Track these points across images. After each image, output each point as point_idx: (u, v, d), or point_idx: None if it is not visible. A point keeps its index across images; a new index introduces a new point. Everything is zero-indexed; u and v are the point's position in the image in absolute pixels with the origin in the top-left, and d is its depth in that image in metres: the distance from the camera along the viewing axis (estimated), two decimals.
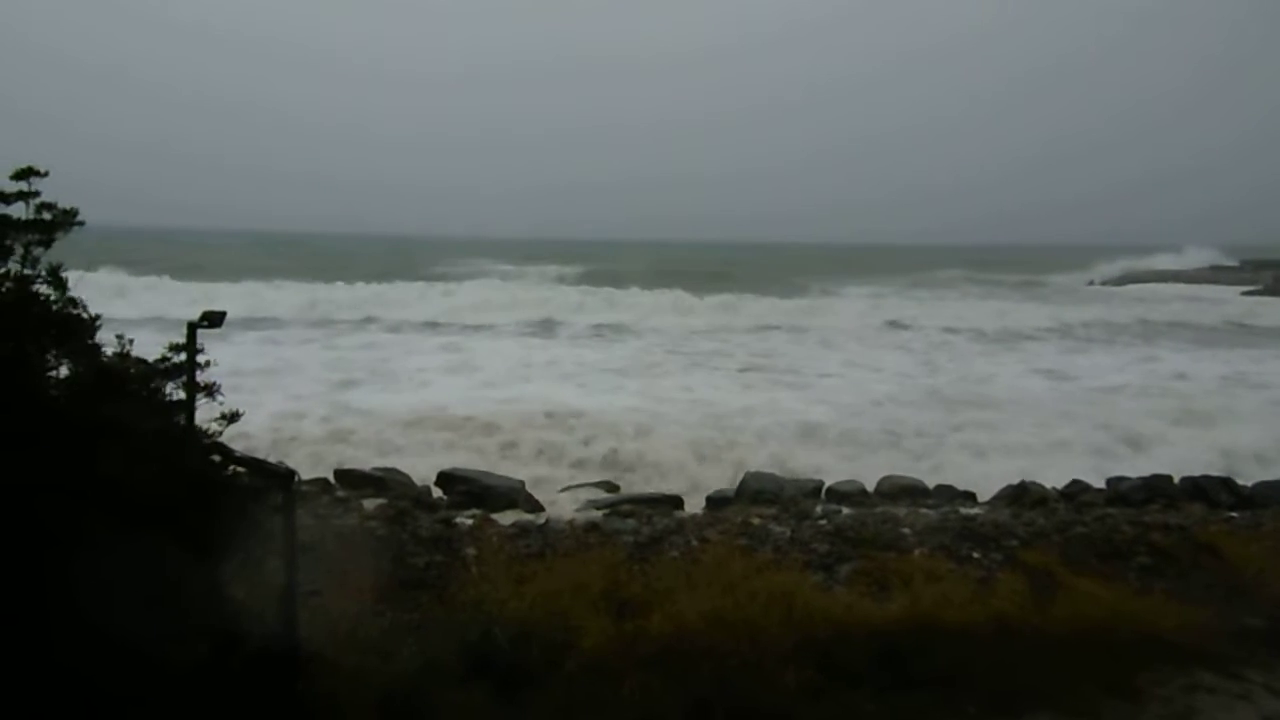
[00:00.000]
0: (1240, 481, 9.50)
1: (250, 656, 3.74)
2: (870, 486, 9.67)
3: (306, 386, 14.31)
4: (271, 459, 4.58)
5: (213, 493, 3.92)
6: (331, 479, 9.05)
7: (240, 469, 4.21)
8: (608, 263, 56.14)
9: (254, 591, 4.09)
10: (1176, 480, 9.49)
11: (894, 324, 26.83)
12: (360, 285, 33.70)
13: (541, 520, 7.87)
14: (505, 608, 5.26)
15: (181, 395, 3.99)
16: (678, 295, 31.06)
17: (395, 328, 24.29)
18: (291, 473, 4.40)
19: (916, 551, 6.76)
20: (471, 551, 6.59)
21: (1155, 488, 9.29)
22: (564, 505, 8.94)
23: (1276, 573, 5.96)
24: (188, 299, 25.54)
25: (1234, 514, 8.31)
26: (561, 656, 4.80)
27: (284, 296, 29.93)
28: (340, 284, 34.04)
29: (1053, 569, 5.94)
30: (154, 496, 3.45)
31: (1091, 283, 53.43)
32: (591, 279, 40.09)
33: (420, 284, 35.16)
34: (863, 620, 5.30)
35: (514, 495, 9.08)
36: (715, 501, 9.20)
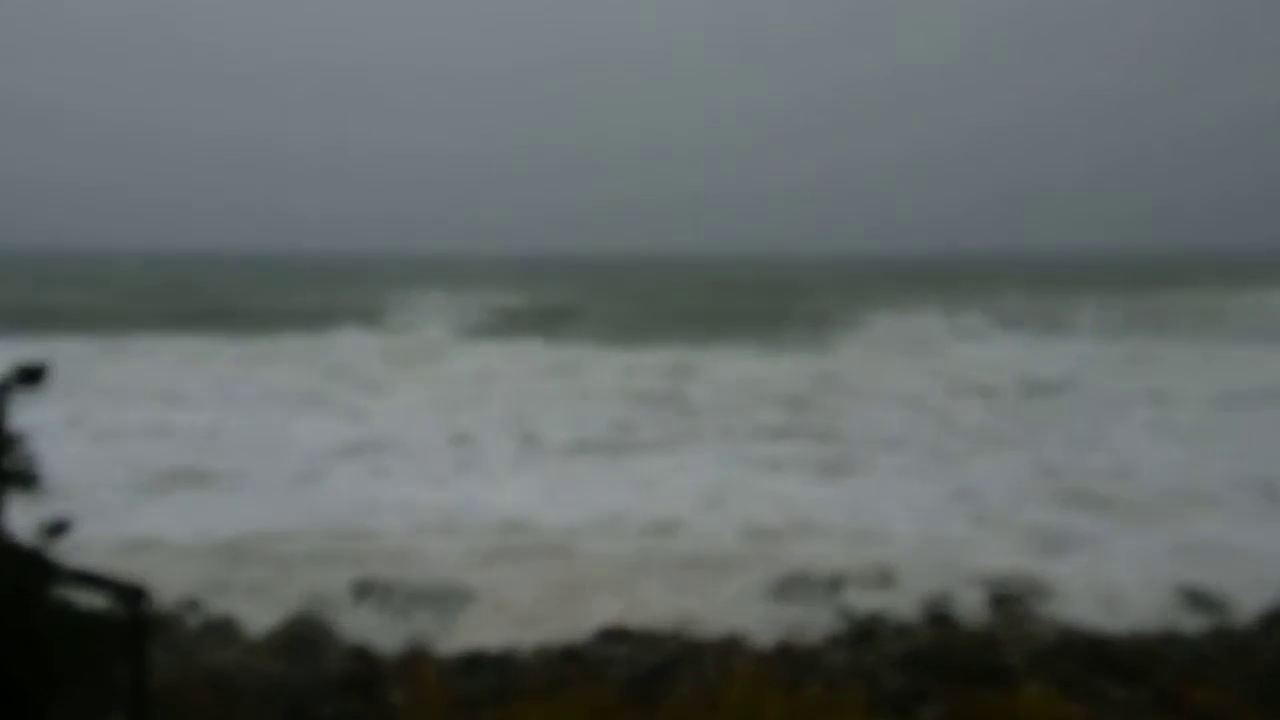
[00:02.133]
0: None
1: None
2: (961, 589, 9.54)
3: None
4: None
5: (27, 623, 3.77)
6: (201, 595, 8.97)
7: (71, 587, 4.06)
8: (575, 289, 55.79)
9: None
10: None
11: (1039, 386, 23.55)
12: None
13: (499, 646, 7.84)
14: None
15: None
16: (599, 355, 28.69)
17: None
18: (139, 591, 4.24)
19: (1031, 686, 6.68)
20: (398, 697, 6.46)
21: None
22: (533, 625, 8.82)
23: None
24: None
25: None
26: None
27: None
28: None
29: (1232, 713, 5.81)
30: None
31: None
32: (522, 322, 37.97)
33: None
34: None
35: (461, 609, 9.03)
36: (741, 613, 9.01)
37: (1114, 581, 9.84)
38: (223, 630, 8.05)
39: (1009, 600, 9.35)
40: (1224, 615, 8.82)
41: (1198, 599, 9.24)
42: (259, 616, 8.62)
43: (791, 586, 9.66)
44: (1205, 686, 6.48)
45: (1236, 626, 8.42)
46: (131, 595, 4.29)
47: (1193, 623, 8.65)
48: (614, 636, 8.22)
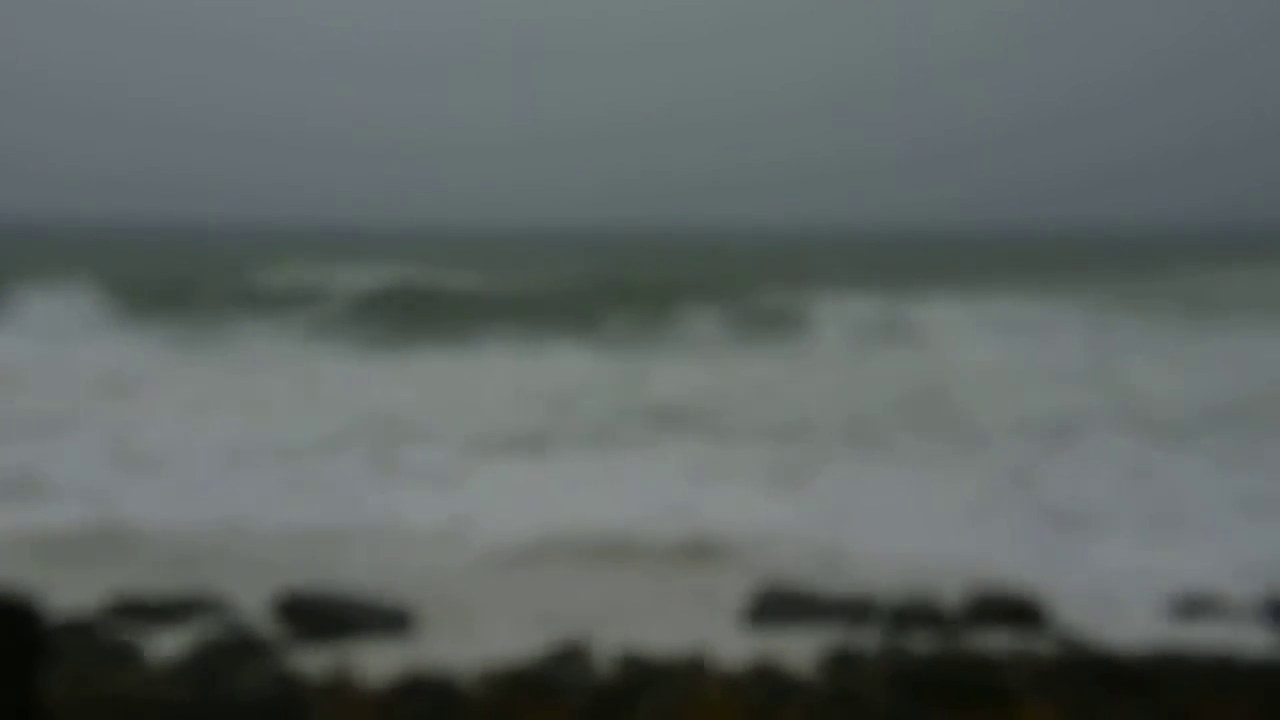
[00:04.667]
0: None
1: None
2: (952, 602, 9.72)
3: None
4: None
5: None
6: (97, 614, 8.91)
7: None
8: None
9: None
10: None
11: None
12: None
13: (439, 667, 7.78)
14: None
15: None
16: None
17: None
18: (28, 610, 4.17)
19: (1028, 708, 6.74)
20: None
21: None
22: (477, 641, 8.88)
23: None
24: None
25: None
26: None
27: None
28: None
29: None
30: None
31: None
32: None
33: None
34: None
35: (397, 626, 9.10)
36: (710, 627, 9.13)
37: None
38: (123, 651, 7.94)
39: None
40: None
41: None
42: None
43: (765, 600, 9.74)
44: (1221, 702, 6.56)
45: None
46: (18, 615, 4.22)
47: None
48: (568, 657, 8.21)
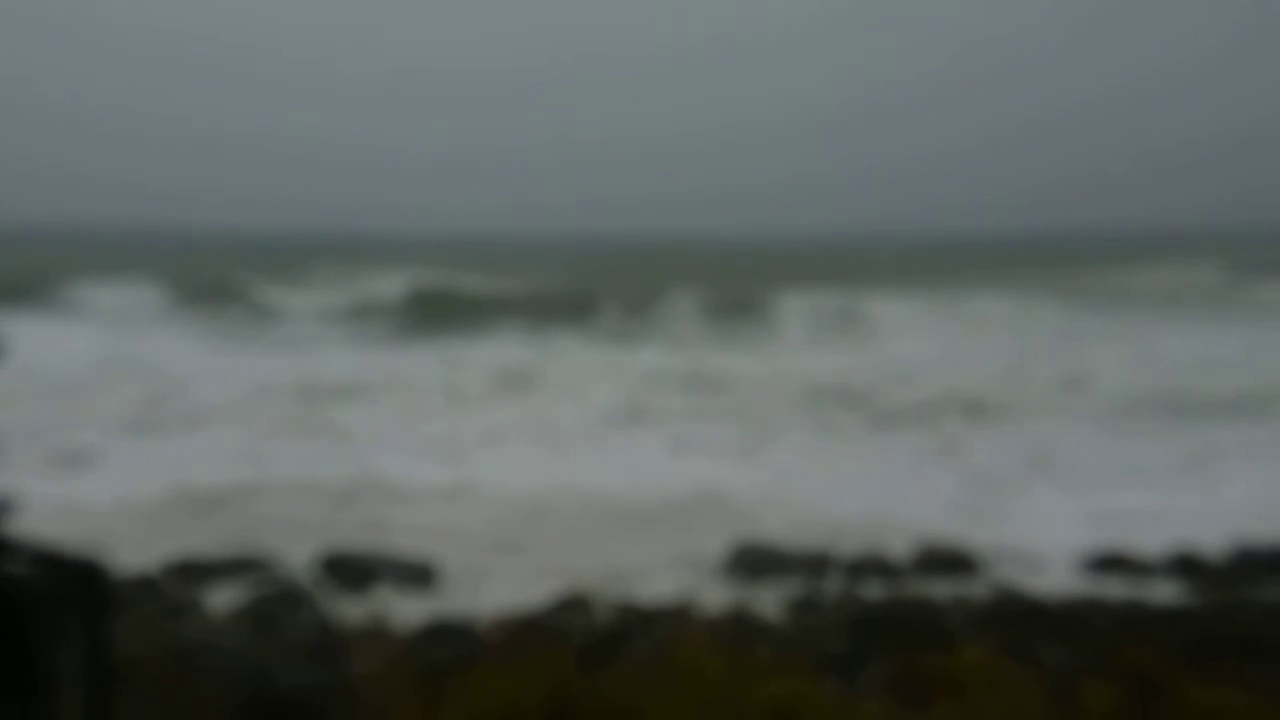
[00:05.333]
0: None
1: None
2: (901, 555, 9.66)
3: None
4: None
5: None
6: (161, 572, 8.78)
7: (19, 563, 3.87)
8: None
9: None
10: None
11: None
12: None
13: (462, 615, 7.78)
14: None
15: None
16: None
17: None
18: (95, 566, 4.04)
19: (968, 647, 6.55)
20: (363, 664, 6.33)
21: None
22: (494, 592, 8.80)
23: None
24: None
25: None
26: None
27: None
28: None
29: (1160, 672, 5.82)
30: None
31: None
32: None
33: None
34: None
35: (425, 580, 9.03)
36: (694, 579, 9.15)
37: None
38: (185, 605, 7.89)
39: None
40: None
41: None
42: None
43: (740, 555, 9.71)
44: (1134, 644, 6.52)
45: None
46: (86, 572, 4.11)
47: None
48: (571, 605, 8.16)
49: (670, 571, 9.45)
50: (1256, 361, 22.88)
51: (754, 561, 9.47)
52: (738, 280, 43.03)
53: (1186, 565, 9.28)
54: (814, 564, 9.46)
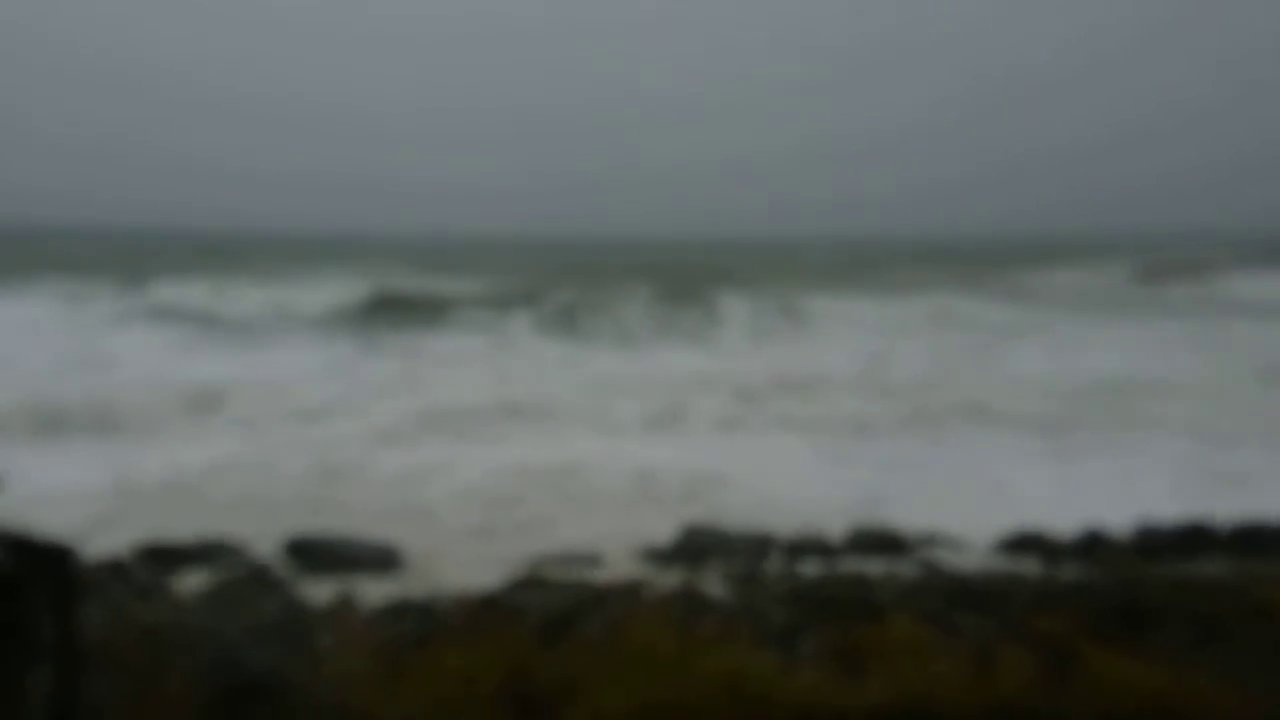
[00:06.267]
0: None
1: None
2: (837, 537, 9.69)
3: None
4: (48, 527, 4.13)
5: None
6: (131, 556, 8.63)
7: None
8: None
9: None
10: (1225, 526, 9.43)
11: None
12: None
13: (423, 595, 7.73)
14: (373, 715, 4.98)
15: None
16: None
17: None
18: (65, 549, 3.95)
19: (897, 619, 6.69)
20: (328, 642, 6.32)
21: (1198, 536, 9.26)
22: (454, 573, 8.72)
23: None
24: None
25: None
26: None
27: None
28: None
29: (1069, 640, 5.92)
30: None
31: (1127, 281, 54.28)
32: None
33: None
34: (833, 708, 5.22)
35: (387, 562, 8.92)
36: (646, 560, 9.21)
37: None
38: (154, 587, 7.76)
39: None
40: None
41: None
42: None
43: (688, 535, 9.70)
44: (1045, 615, 6.62)
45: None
46: (56, 556, 4.01)
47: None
48: (528, 584, 8.13)
49: (621, 551, 9.45)
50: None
51: (700, 542, 9.46)
52: (686, 279, 42.99)
53: (1092, 544, 9.38)
54: (756, 545, 9.46)
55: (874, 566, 8.66)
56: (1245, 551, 9.01)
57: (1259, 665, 5.82)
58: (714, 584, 8.16)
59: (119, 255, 55.90)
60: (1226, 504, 10.07)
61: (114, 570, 8.15)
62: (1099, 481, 12.38)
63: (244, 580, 8.07)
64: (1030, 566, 8.63)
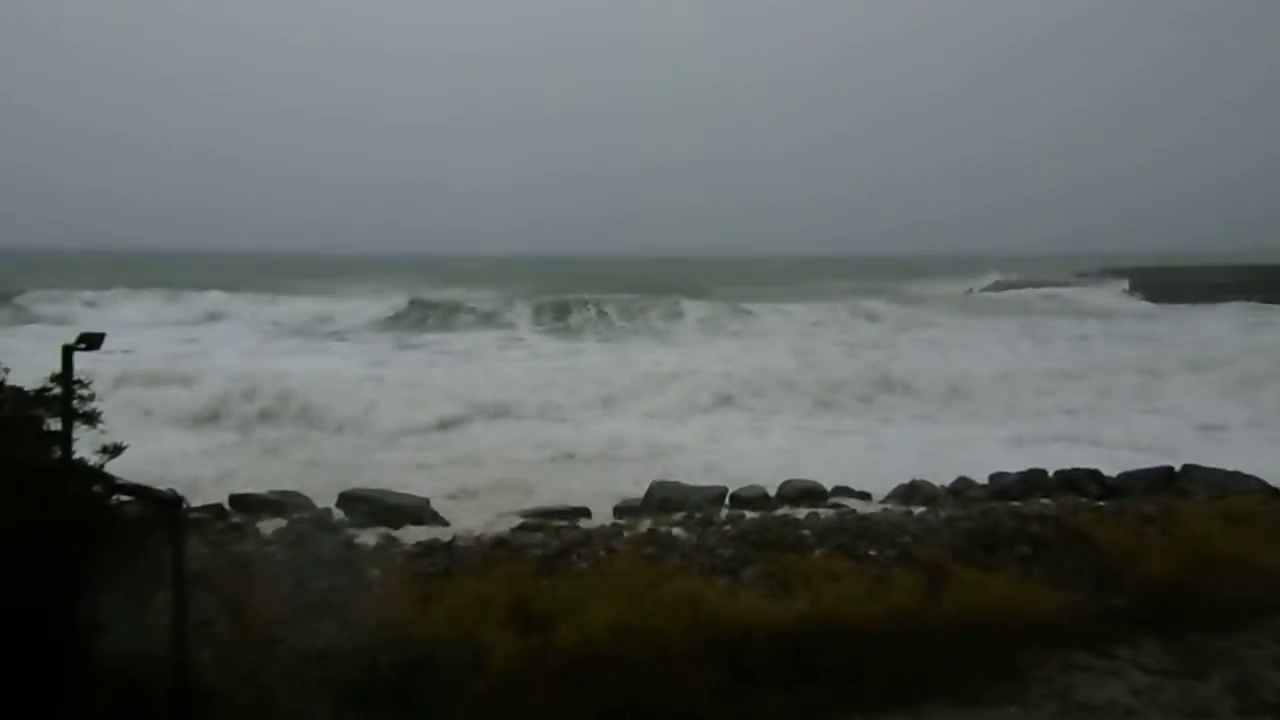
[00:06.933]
0: (1106, 472, 10.15)
1: (132, 695, 3.51)
2: (772, 491, 9.84)
3: None
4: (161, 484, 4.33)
5: (95, 525, 3.69)
6: (226, 504, 8.67)
7: (125, 498, 3.96)
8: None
9: (143, 626, 3.86)
10: (1051, 474, 10.10)
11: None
12: None
13: (448, 537, 7.72)
14: (411, 628, 5.09)
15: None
16: None
17: None
18: (178, 499, 4.17)
19: (817, 552, 6.87)
20: (375, 573, 6.38)
21: (1033, 482, 9.91)
22: (472, 521, 8.78)
23: (1139, 555, 6.36)
24: None
25: (1102, 503, 8.85)
26: (469, 674, 4.69)
27: None
28: None
29: (943, 563, 6.15)
30: (33, 532, 3.22)
31: (970, 290, 56.01)
32: None
33: None
34: (767, 621, 5.35)
35: (419, 513, 8.91)
36: (623, 511, 9.21)
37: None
38: (241, 529, 7.76)
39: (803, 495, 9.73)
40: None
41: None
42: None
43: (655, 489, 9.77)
44: (926, 545, 6.85)
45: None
46: (171, 504, 4.21)
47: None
48: (530, 528, 8.16)
49: (604, 501, 9.56)
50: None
51: (665, 494, 9.54)
52: (650, 289, 42.78)
53: (960, 491, 9.78)
54: (710, 497, 9.54)
55: (801, 512, 8.75)
56: (1064, 492, 9.47)
57: (1075, 574, 6.16)
58: (677, 527, 8.19)
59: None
60: (1053, 459, 10.64)
61: (216, 514, 8.25)
62: (957, 446, 12.72)
63: (311, 523, 8.10)
64: (916, 509, 8.78)
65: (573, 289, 40.96)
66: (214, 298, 33.21)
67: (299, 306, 32.46)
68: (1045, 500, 8.90)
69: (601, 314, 32.58)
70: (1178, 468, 10.20)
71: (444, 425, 13.97)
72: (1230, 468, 10.00)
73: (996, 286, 56.53)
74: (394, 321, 30.53)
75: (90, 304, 32.49)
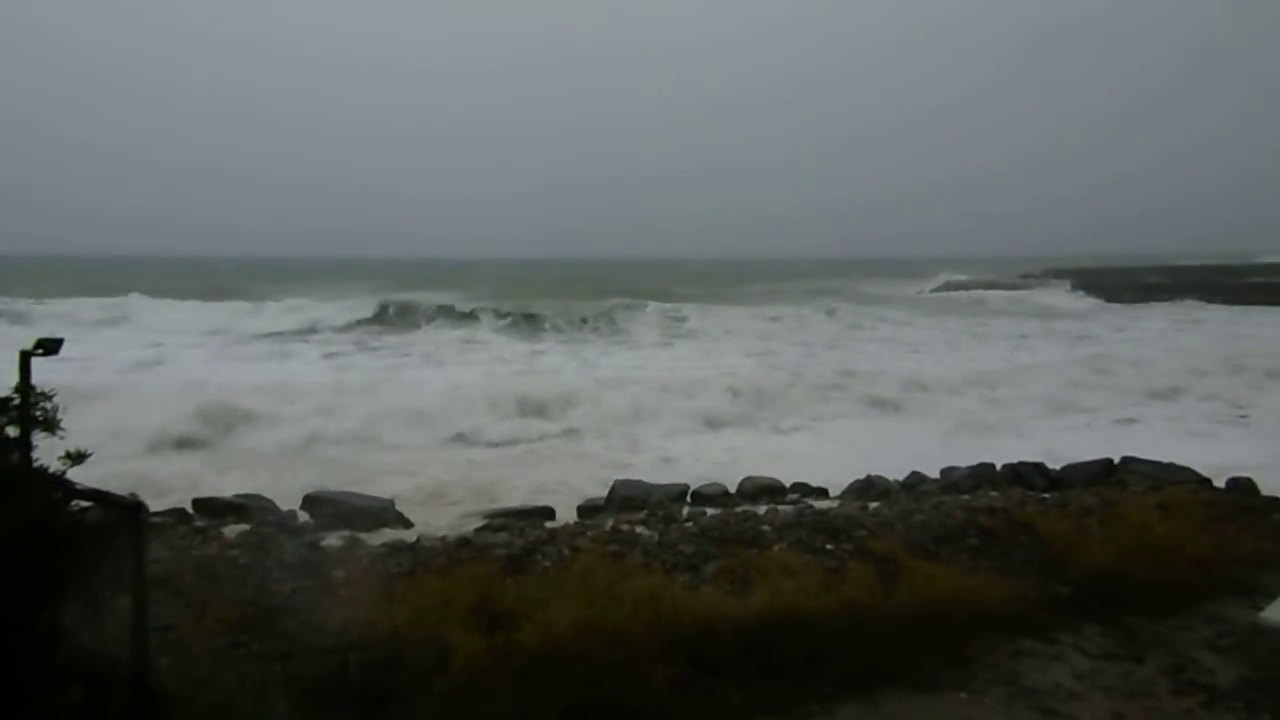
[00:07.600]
0: (1050, 465, 10.43)
1: (92, 701, 3.43)
2: (733, 488, 9.90)
3: None
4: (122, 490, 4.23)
5: (54, 531, 3.59)
6: (189, 508, 8.51)
7: (85, 503, 3.87)
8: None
9: (104, 632, 3.77)
10: (999, 468, 10.36)
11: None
12: None
13: (412, 539, 7.65)
14: (375, 629, 5.04)
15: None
16: None
17: None
18: (139, 504, 4.08)
19: (776, 547, 6.90)
20: (340, 574, 6.30)
21: (981, 475, 10.16)
22: (436, 522, 8.72)
23: (1080, 545, 6.54)
24: None
25: (1046, 495, 9.06)
26: (432, 673, 4.65)
27: None
28: None
29: (896, 555, 6.23)
30: None
31: (919, 292, 57.15)
32: None
33: None
34: (727, 616, 5.37)
35: (384, 514, 8.83)
36: (586, 511, 9.20)
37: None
38: (204, 533, 7.62)
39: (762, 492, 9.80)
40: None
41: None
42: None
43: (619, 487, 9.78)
44: (881, 538, 6.95)
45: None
46: (132, 508, 4.13)
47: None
48: (495, 528, 8.12)
49: (568, 500, 9.56)
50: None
51: (628, 492, 9.59)
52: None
53: (913, 485, 9.93)
54: (673, 494, 9.60)
55: (760, 508, 8.78)
56: (1011, 485, 9.73)
57: (1022, 564, 6.31)
58: (640, 524, 8.18)
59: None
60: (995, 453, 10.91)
61: (179, 518, 8.06)
62: (910, 441, 12.95)
63: (275, 526, 7.99)
64: (872, 504, 8.84)
65: (544, 294, 40.89)
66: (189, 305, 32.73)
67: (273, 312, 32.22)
68: (994, 493, 9.08)
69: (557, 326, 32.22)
70: (1117, 459, 10.50)
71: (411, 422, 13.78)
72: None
73: (947, 287, 58.04)
74: (361, 324, 30.31)
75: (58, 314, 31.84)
